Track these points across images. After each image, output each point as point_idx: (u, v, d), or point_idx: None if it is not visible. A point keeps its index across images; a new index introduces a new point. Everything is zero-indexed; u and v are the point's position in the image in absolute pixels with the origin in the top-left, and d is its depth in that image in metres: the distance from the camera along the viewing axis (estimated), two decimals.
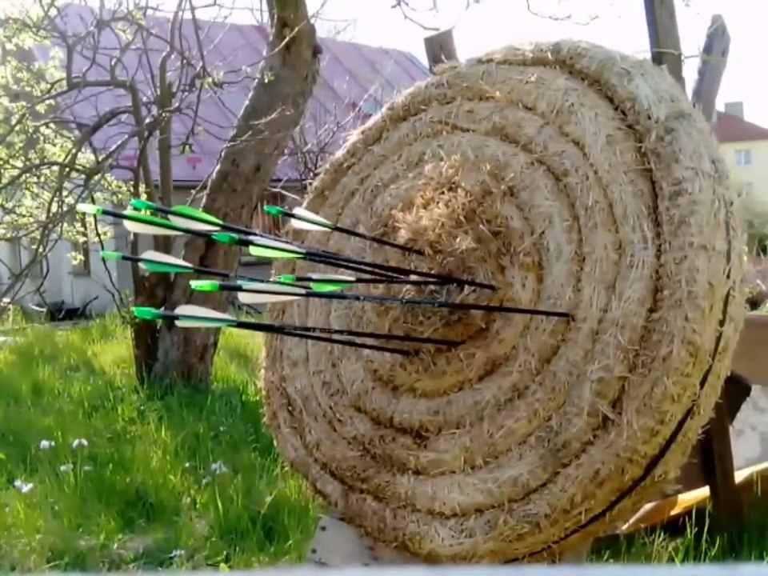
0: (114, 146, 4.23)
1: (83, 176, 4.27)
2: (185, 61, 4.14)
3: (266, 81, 4.03)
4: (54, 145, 4.67)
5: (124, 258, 1.18)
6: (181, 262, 1.34)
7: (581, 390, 1.21)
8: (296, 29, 3.98)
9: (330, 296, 1.35)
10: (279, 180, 7.21)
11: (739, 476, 1.98)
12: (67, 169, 4.26)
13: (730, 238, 1.19)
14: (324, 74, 5.16)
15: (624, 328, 1.19)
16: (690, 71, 1.70)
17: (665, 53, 1.39)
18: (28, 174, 4.50)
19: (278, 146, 4.25)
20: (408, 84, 1.58)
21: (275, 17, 4.06)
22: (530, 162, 1.35)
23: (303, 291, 1.18)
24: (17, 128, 4.26)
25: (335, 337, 1.45)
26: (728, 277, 1.17)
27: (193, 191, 4.38)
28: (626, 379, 1.18)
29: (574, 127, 1.31)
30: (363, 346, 1.43)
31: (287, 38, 3.99)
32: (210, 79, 4.26)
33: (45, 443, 2.69)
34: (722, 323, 1.17)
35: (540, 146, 1.34)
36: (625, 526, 1.80)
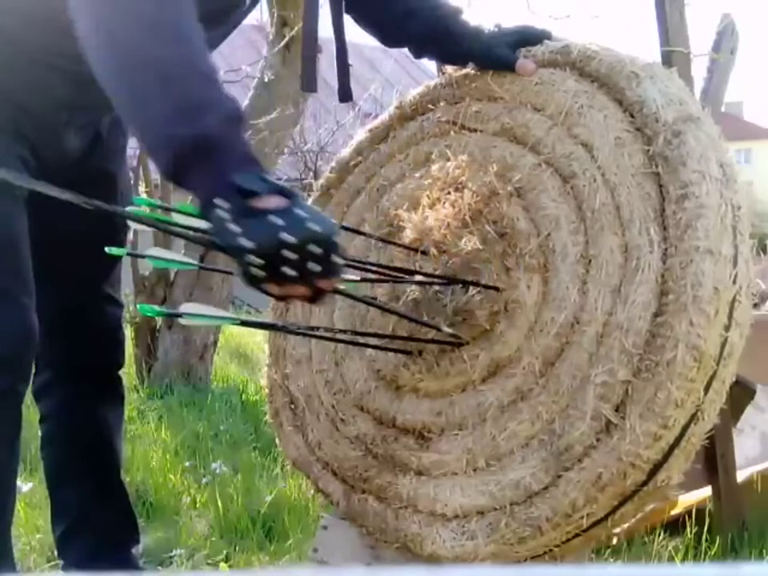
0: None
1: None
2: None
3: (266, 80, 4.03)
4: None
5: (128, 254, 1.18)
6: (184, 258, 1.34)
7: (584, 394, 1.20)
8: (296, 28, 3.98)
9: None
10: (279, 179, 7.20)
11: (740, 475, 1.98)
12: None
13: (736, 242, 1.18)
14: (324, 74, 5.16)
15: (629, 332, 1.18)
16: (699, 70, 1.70)
17: (674, 51, 1.38)
18: None
19: (278, 145, 4.25)
20: (408, 84, 1.57)
21: (275, 15, 4.06)
22: (538, 164, 1.34)
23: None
24: None
25: (339, 336, 1.44)
26: (734, 282, 1.17)
27: None
28: (629, 383, 1.17)
29: (582, 129, 1.31)
30: (367, 345, 1.43)
31: (287, 38, 3.98)
32: None
33: None
34: (727, 328, 1.17)
35: (548, 148, 1.34)
36: (625, 525, 1.79)
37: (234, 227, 0.94)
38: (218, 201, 0.95)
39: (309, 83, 1.42)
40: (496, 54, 1.41)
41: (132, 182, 4.23)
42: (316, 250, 0.95)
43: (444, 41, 1.45)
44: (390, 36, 1.53)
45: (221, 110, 0.97)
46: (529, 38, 1.41)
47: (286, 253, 0.92)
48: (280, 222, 0.93)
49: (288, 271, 0.94)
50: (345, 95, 1.43)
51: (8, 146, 1.41)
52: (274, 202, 0.95)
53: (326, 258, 0.97)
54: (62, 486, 1.72)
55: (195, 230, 1.22)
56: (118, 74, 1.01)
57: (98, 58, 1.03)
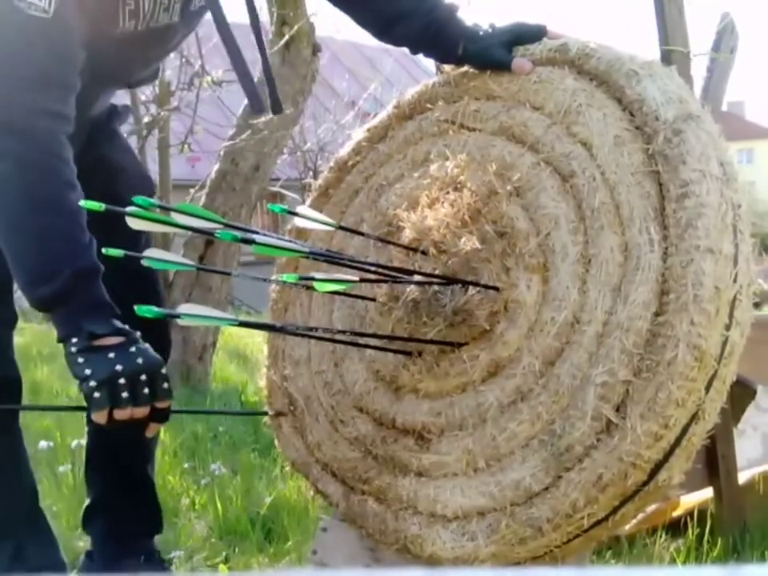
0: None
1: None
2: (183, 59, 4.15)
3: None
4: None
5: (126, 254, 1.18)
6: (182, 259, 1.33)
7: (585, 394, 1.20)
8: (295, 27, 3.98)
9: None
10: (278, 179, 7.20)
11: (742, 477, 1.98)
12: None
13: (737, 241, 1.18)
14: (323, 73, 5.15)
15: (629, 331, 1.18)
16: (699, 69, 1.69)
17: (673, 50, 1.37)
18: None
19: (278, 144, 4.25)
20: (408, 83, 1.57)
21: (275, 15, 4.06)
22: (537, 163, 1.33)
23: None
24: None
25: (338, 337, 1.44)
26: (735, 281, 1.16)
27: (192, 190, 4.37)
28: (630, 383, 1.16)
29: (581, 128, 1.30)
30: (366, 346, 1.42)
31: (287, 37, 3.98)
32: (209, 78, 4.26)
33: (43, 444, 2.68)
34: (728, 327, 1.16)
35: (547, 147, 1.33)
36: (627, 527, 1.79)
37: (80, 360, 1.18)
38: (70, 340, 1.19)
39: (254, 104, 1.55)
40: (491, 55, 1.41)
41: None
42: (143, 378, 1.18)
43: (437, 43, 1.45)
44: (381, 36, 1.53)
45: (75, 267, 1.19)
46: (523, 35, 1.41)
47: (120, 380, 1.16)
48: (113, 356, 1.17)
49: (123, 395, 1.16)
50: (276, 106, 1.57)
51: None
52: (112, 340, 1.19)
53: (151, 385, 1.19)
54: (92, 467, 1.82)
55: (195, 230, 1.21)
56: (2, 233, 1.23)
57: None
